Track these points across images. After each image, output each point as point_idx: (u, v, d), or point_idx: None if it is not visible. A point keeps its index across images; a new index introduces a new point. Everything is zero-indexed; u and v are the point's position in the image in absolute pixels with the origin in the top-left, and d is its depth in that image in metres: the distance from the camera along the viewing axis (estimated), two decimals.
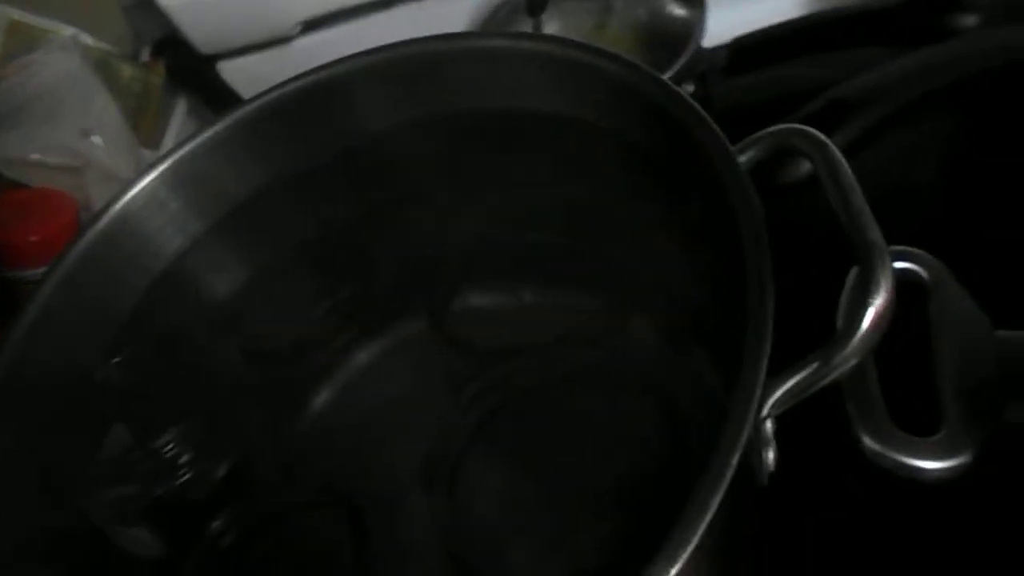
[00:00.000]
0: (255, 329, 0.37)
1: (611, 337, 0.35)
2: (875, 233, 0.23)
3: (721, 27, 0.54)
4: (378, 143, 0.37)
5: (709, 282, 0.32)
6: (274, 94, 0.35)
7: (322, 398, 0.38)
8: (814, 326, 0.26)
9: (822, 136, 0.26)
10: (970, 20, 0.43)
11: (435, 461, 0.33)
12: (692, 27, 0.54)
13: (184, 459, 0.32)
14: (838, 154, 0.25)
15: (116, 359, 0.31)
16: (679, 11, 0.57)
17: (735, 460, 0.20)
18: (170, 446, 0.32)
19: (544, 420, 0.35)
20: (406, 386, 0.37)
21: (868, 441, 0.28)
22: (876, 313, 0.22)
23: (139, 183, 0.33)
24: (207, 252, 0.35)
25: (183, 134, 0.67)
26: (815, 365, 0.23)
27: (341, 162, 0.36)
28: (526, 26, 0.58)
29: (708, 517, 0.19)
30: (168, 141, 0.65)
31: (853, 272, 0.31)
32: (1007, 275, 0.36)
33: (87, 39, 0.62)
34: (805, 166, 0.38)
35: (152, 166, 0.34)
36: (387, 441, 0.36)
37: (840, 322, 0.30)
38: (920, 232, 0.32)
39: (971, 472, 0.27)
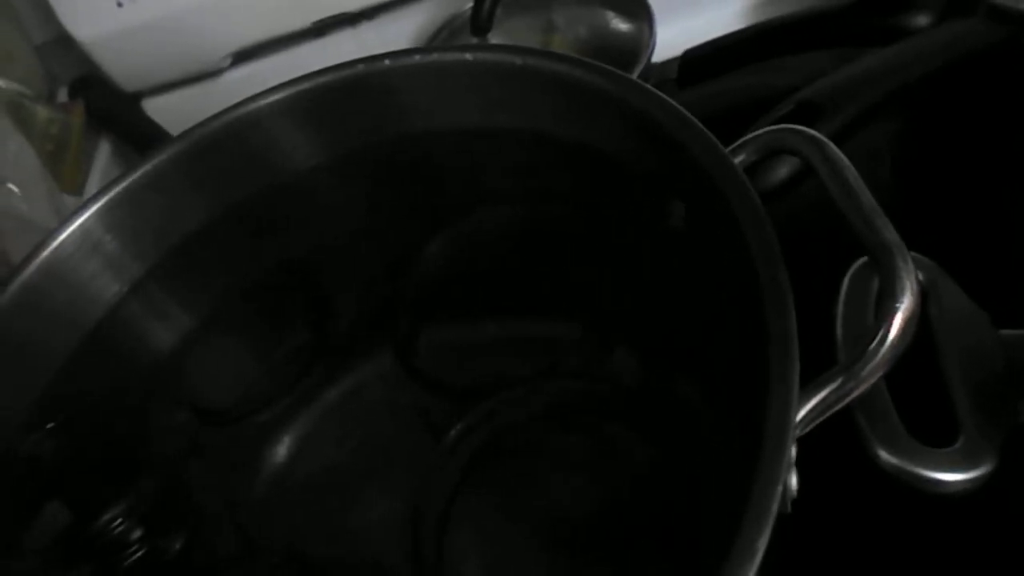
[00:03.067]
0: (203, 384, 0.33)
1: (594, 369, 0.33)
2: (892, 233, 0.22)
3: (668, 41, 0.53)
4: (325, 174, 0.34)
5: (696, 303, 0.30)
6: (213, 125, 0.32)
7: (283, 454, 0.35)
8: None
9: (819, 134, 0.24)
10: (922, 20, 0.43)
11: (421, 514, 0.30)
12: (640, 42, 0.53)
13: (135, 535, 0.28)
14: (839, 152, 0.24)
15: (49, 425, 0.28)
16: (624, 26, 0.56)
17: (779, 490, 0.18)
18: (118, 522, 0.28)
19: (530, 459, 0.32)
20: (376, 433, 0.34)
21: (885, 455, 0.26)
22: (904, 318, 0.21)
23: (67, 228, 0.30)
24: (145, 301, 0.32)
25: (107, 177, 0.63)
26: (841, 379, 0.21)
27: (285, 196, 0.33)
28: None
29: (758, 560, 0.17)
30: (92, 185, 0.61)
31: (848, 277, 0.30)
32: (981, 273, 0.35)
33: None
34: (780, 172, 0.37)
35: (81, 209, 0.30)
36: (361, 496, 0.33)
37: (840, 332, 0.29)
38: None
39: (993, 480, 0.26)
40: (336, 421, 0.35)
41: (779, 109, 0.36)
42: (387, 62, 0.32)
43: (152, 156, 0.32)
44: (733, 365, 0.25)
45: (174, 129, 0.62)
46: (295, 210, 0.34)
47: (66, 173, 0.60)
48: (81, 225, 0.30)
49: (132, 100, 0.63)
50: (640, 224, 0.30)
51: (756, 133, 0.26)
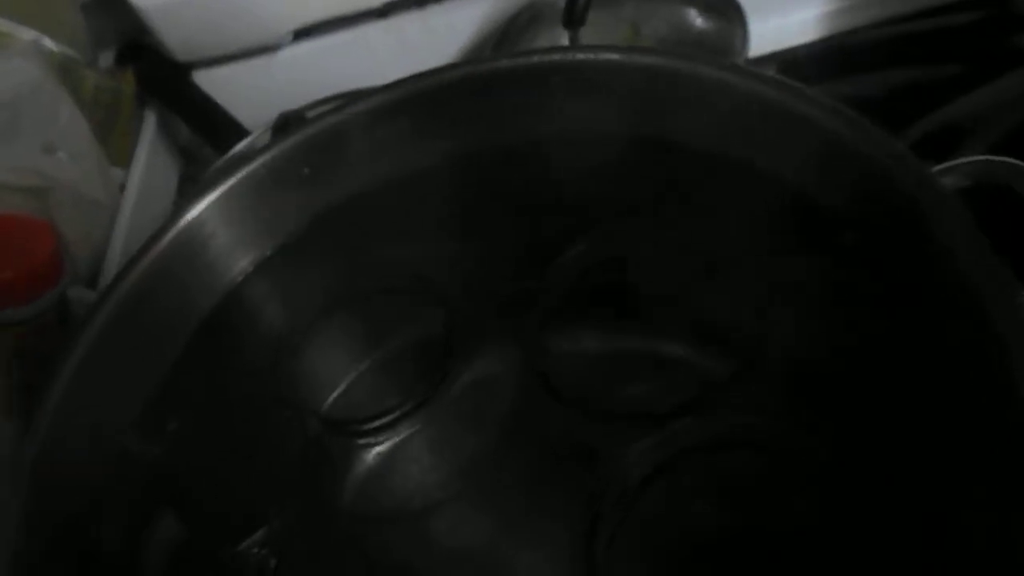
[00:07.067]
0: (312, 388, 0.31)
1: (743, 401, 0.30)
2: None
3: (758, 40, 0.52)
4: (446, 174, 0.32)
5: (873, 335, 0.27)
6: (350, 110, 0.30)
7: (410, 466, 0.32)
8: None
9: None
10: None
11: (587, 536, 0.27)
12: (730, 41, 0.51)
13: (272, 564, 0.26)
14: None
15: (171, 426, 0.25)
16: (706, 24, 0.54)
17: None
18: (256, 549, 0.26)
19: (682, 487, 0.29)
20: (522, 450, 0.31)
21: None
22: None
23: (192, 210, 0.28)
24: (262, 289, 0.30)
25: (155, 150, 0.60)
26: None
27: (417, 188, 0.31)
28: (547, 37, 0.54)
29: None
30: (139, 158, 0.59)
31: None
32: None
33: (48, 44, 0.55)
34: None
35: (203, 192, 0.28)
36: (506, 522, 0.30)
37: None
38: None
39: None
40: (459, 425, 0.32)
41: (921, 125, 0.35)
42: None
43: (268, 149, 0.30)
44: (917, 403, 0.24)
45: (226, 103, 0.60)
46: (413, 210, 0.32)
47: (114, 144, 0.58)
48: (203, 210, 0.28)
49: (183, 71, 0.60)
50: (811, 256, 0.28)
51: (959, 161, 0.24)
